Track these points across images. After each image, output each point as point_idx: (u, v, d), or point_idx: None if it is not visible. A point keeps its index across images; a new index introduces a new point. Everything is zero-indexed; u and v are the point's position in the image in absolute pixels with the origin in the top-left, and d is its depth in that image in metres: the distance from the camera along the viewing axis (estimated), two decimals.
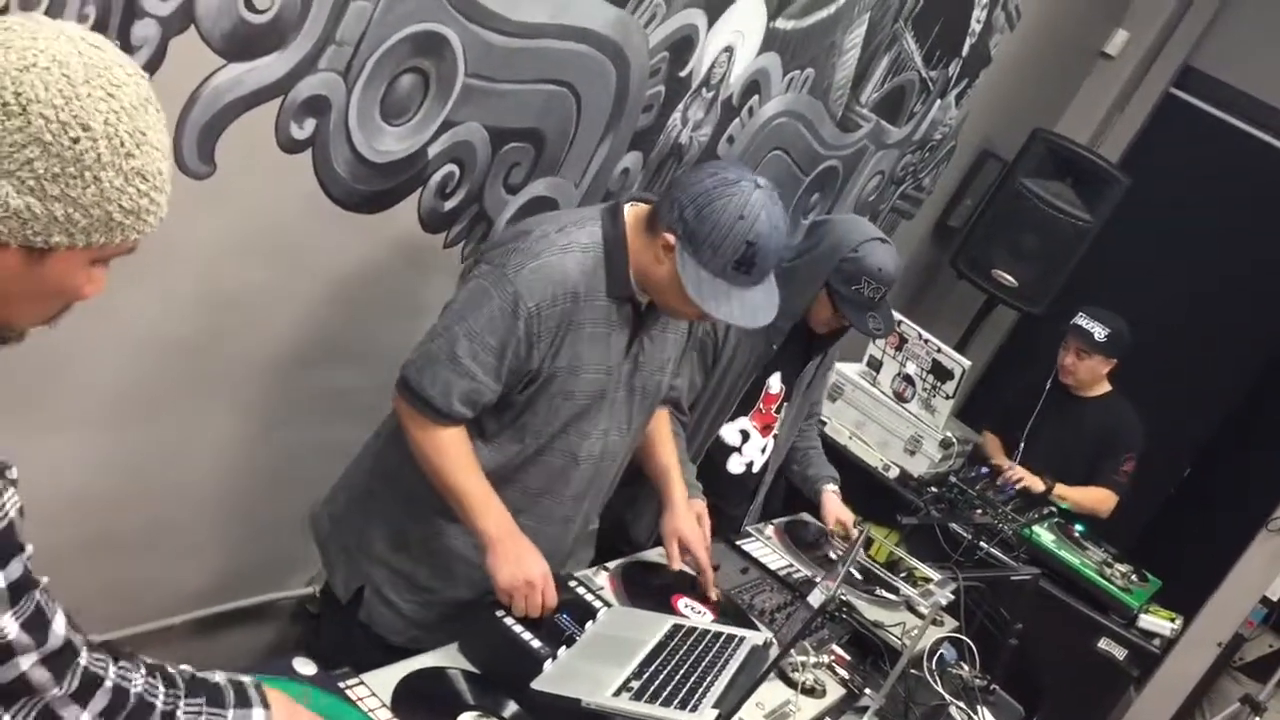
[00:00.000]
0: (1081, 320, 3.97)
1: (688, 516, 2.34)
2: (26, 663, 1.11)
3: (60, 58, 1.01)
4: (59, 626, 1.14)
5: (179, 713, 1.24)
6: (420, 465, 1.99)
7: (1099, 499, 3.99)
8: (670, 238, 1.90)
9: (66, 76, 1.01)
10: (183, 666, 1.29)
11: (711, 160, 2.98)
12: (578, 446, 2.08)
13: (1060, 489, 3.89)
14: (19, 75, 0.99)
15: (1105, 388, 4.08)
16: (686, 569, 2.32)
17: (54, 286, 1.10)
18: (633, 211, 2.01)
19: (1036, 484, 3.82)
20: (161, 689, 1.23)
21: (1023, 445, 4.08)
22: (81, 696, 1.16)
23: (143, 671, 1.22)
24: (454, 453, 1.96)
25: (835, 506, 2.93)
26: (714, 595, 2.32)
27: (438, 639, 1.98)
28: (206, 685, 1.30)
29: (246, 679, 1.36)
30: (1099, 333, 3.92)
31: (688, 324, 2.25)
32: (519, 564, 1.92)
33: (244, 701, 1.32)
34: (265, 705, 1.34)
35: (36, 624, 1.12)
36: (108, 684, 1.18)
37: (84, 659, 1.16)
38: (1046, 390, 4.08)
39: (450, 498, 1.98)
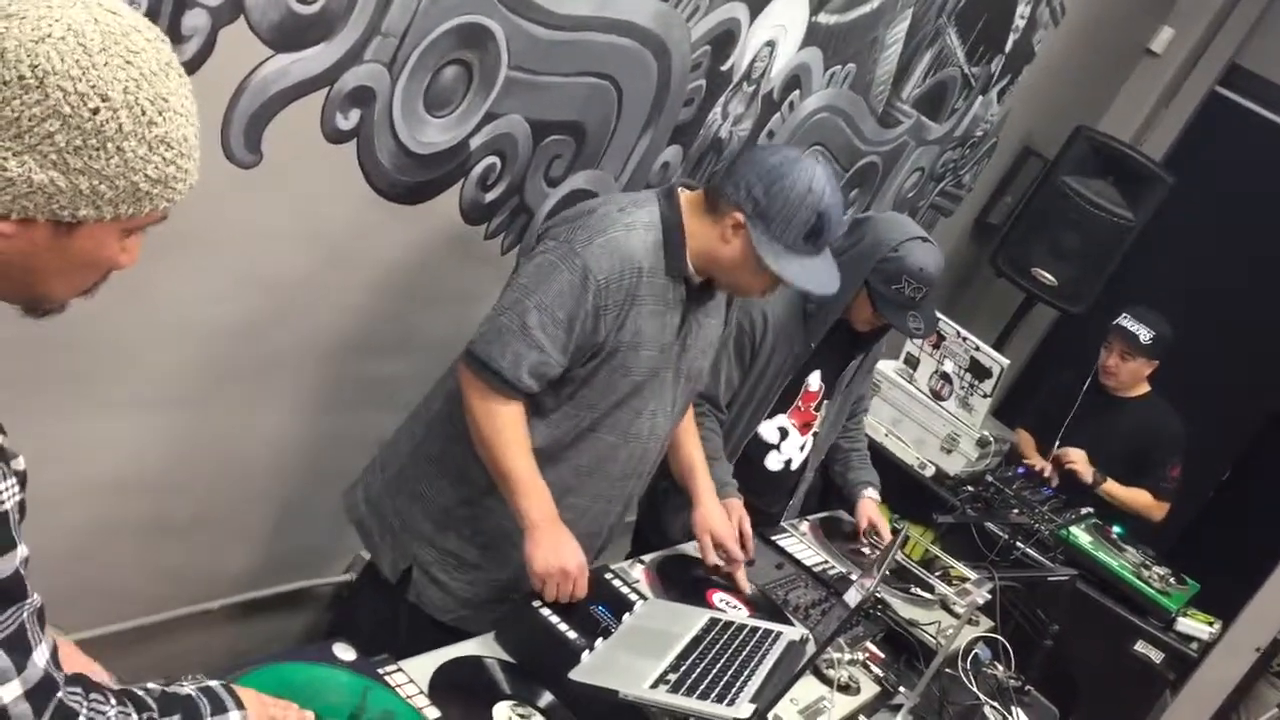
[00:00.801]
0: (1126, 322, 3.90)
1: (717, 511, 2.36)
2: (9, 695, 1.06)
3: (76, 26, 0.98)
4: (40, 658, 1.08)
5: None
6: (475, 439, 2.02)
7: (1147, 504, 3.94)
8: (740, 216, 1.97)
9: (83, 45, 0.98)
10: (149, 685, 1.26)
11: (759, 144, 2.98)
12: (629, 425, 2.11)
13: (1110, 485, 3.85)
14: (34, 47, 0.96)
15: (1144, 389, 4.02)
16: (720, 563, 2.32)
17: (86, 259, 1.07)
18: (683, 195, 2.07)
19: (1086, 472, 3.78)
20: (134, 716, 1.19)
21: (1058, 445, 4.03)
22: None
23: (113, 702, 1.17)
24: (510, 432, 1.99)
25: (870, 511, 2.91)
26: (746, 588, 2.32)
27: (486, 617, 2.04)
28: (179, 700, 1.26)
29: (214, 683, 1.33)
30: (1144, 335, 3.86)
31: (724, 312, 2.29)
32: (556, 551, 1.94)
33: (219, 708, 1.30)
34: (240, 706, 1.32)
35: (16, 645, 1.06)
36: (81, 718, 1.13)
37: (62, 693, 1.11)
38: (1084, 391, 4.03)
39: (498, 476, 2.01)
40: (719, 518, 2.34)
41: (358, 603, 2.36)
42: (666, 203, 2.05)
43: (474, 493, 2.09)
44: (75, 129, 0.98)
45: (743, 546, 2.38)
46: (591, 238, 1.96)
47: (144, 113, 1.01)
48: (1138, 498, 3.93)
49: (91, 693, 1.17)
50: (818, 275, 2.04)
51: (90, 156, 1.00)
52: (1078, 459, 3.83)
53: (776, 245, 1.98)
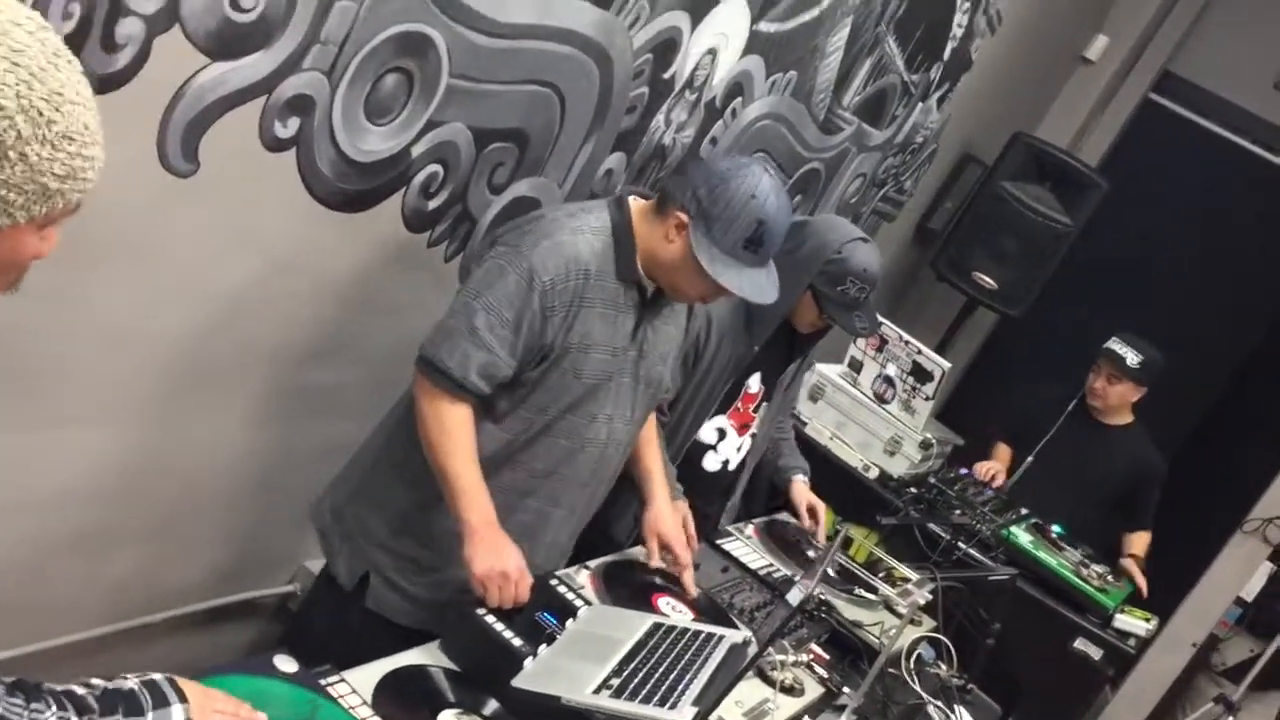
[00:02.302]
0: (1115, 344, 3.92)
1: (668, 515, 2.37)
2: None
3: None
4: None
5: None
6: (423, 440, 2.03)
7: (1147, 542, 3.99)
8: (683, 216, 2.01)
9: None
10: (93, 680, 1.25)
11: (713, 152, 3.01)
12: (584, 429, 2.13)
13: (1135, 566, 3.88)
14: None
15: (1129, 417, 4.03)
16: (665, 566, 2.34)
17: (6, 261, 1.06)
18: (634, 202, 2.11)
19: (1139, 577, 3.80)
20: (74, 719, 1.19)
21: (1030, 461, 4.05)
22: None
23: (54, 708, 1.17)
24: (457, 435, 2.00)
25: (805, 494, 2.96)
26: (693, 592, 2.34)
27: (431, 619, 2.06)
28: (121, 695, 1.26)
29: (158, 676, 1.32)
30: (1131, 358, 3.87)
31: (684, 320, 2.31)
32: (496, 555, 1.95)
33: (161, 701, 1.29)
34: (183, 699, 1.31)
35: None
36: None
37: (1, 706, 1.11)
38: (1070, 411, 4.03)
39: (441, 478, 2.01)
40: (669, 521, 2.36)
41: (312, 611, 2.34)
42: (617, 209, 2.09)
43: (428, 496, 2.09)
44: None
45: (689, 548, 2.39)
46: (538, 241, 1.99)
47: (41, 114, 0.98)
48: (1144, 545, 3.97)
49: (32, 701, 1.16)
50: (756, 283, 2.04)
51: None
52: (1135, 572, 3.82)
53: (715, 249, 1.99)
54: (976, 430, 4.39)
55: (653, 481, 2.39)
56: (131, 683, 1.29)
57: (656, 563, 2.34)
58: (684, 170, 2.08)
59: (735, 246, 2.00)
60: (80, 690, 1.23)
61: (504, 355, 1.97)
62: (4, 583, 2.03)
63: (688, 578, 2.34)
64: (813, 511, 2.94)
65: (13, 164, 0.98)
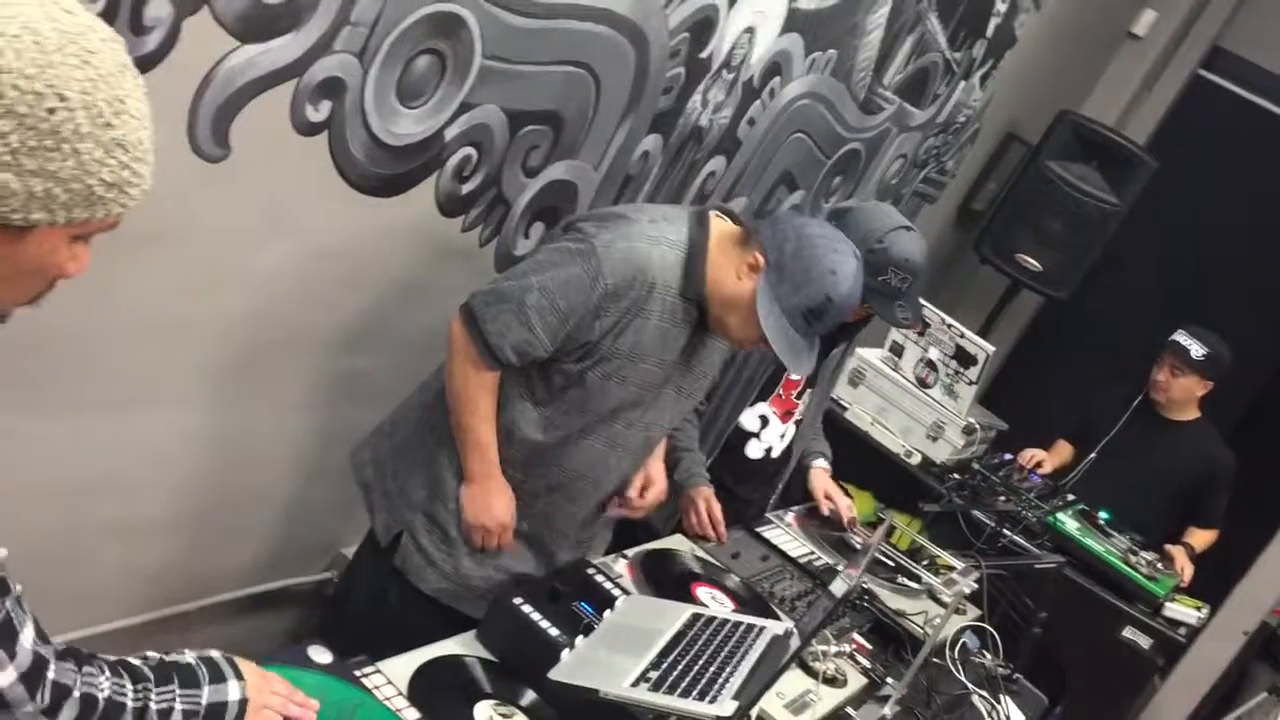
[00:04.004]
0: (1180, 336, 3.83)
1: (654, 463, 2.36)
2: (4, 681, 1.09)
3: (31, 25, 0.95)
4: (26, 640, 1.11)
5: (151, 705, 1.22)
6: (447, 385, 2.08)
7: (1210, 540, 3.91)
8: (760, 258, 1.99)
9: (39, 44, 0.95)
10: (149, 654, 1.28)
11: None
12: (621, 436, 2.12)
13: (1188, 546, 3.80)
14: None
15: (1195, 412, 3.93)
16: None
17: (34, 265, 1.05)
18: (716, 222, 2.07)
19: (1186, 569, 3.71)
20: (129, 686, 1.21)
21: (1094, 457, 3.96)
22: (52, 711, 1.14)
23: (107, 673, 1.20)
24: (481, 397, 2.04)
25: (823, 481, 2.91)
26: (627, 514, 2.33)
27: (460, 594, 2.13)
28: (178, 668, 1.28)
29: (216, 653, 1.34)
30: (1196, 350, 3.78)
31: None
32: (486, 506, 2.09)
33: (218, 676, 1.31)
34: (240, 677, 1.33)
35: (4, 635, 1.09)
36: (75, 694, 1.15)
37: (53, 671, 1.14)
38: (1134, 407, 3.93)
39: (458, 431, 2.08)
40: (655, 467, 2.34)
41: (354, 575, 2.36)
42: (698, 226, 2.05)
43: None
44: (30, 129, 0.96)
45: (716, 531, 2.43)
46: (614, 241, 1.97)
47: (101, 114, 0.99)
48: (1205, 541, 3.89)
49: (85, 665, 1.19)
50: (796, 349, 2.01)
51: (45, 158, 0.97)
52: (1183, 562, 3.73)
53: (777, 305, 1.97)
54: (1021, 415, 4.31)
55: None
56: (189, 657, 1.32)
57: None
58: (781, 218, 2.07)
59: (794, 311, 1.97)
60: (136, 661, 1.26)
61: (544, 338, 1.97)
62: (42, 570, 2.01)
63: (625, 510, 2.32)
64: (830, 499, 2.89)
65: (65, 157, 0.98)
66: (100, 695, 1.18)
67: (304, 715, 1.43)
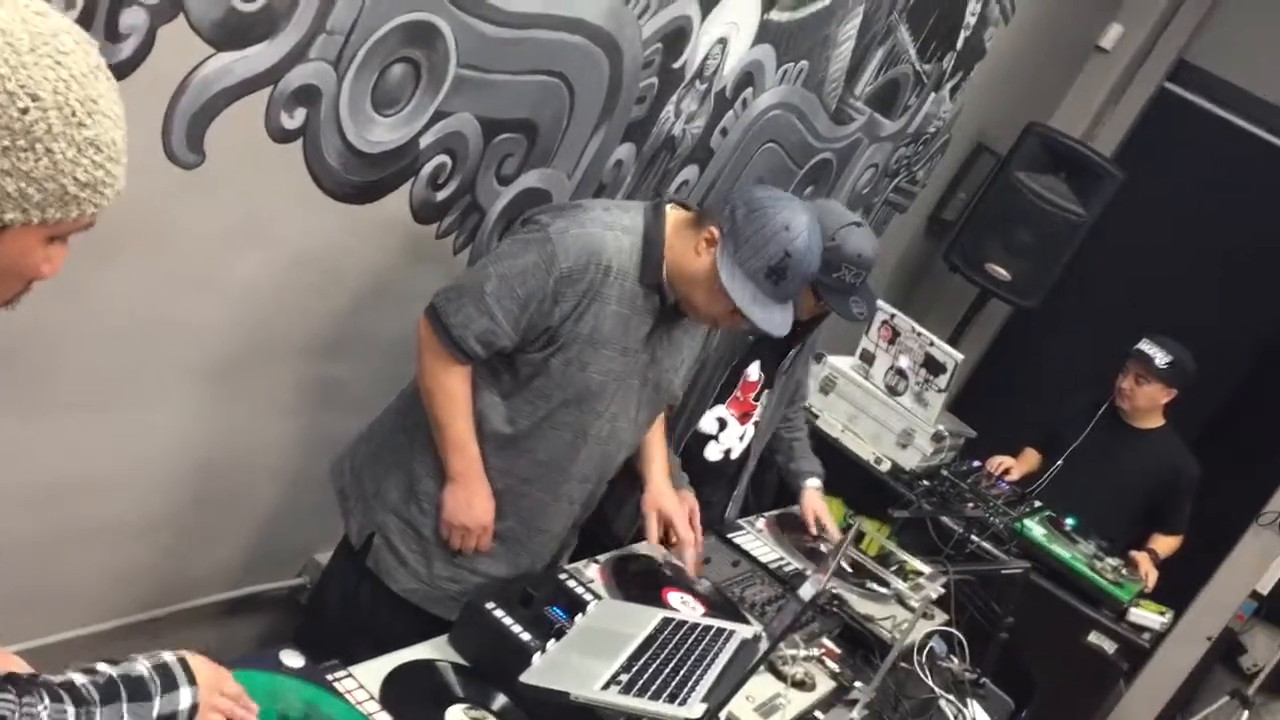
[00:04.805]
0: (1144, 345, 3.88)
1: (668, 492, 2.39)
2: None
3: (3, 26, 0.96)
4: None
5: None
6: (420, 385, 2.11)
7: (1173, 547, 3.96)
8: (715, 231, 2.02)
9: (11, 45, 0.96)
10: (99, 666, 1.23)
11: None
12: (587, 424, 2.14)
13: (1152, 553, 3.84)
14: None
15: (1159, 421, 3.98)
16: (655, 541, 2.35)
17: (9, 266, 1.05)
18: (672, 211, 2.11)
19: (1150, 574, 3.75)
20: (70, 711, 1.16)
21: (1061, 464, 3.99)
22: None
23: (47, 701, 1.15)
24: (454, 391, 2.08)
25: (814, 502, 2.93)
26: (694, 572, 2.35)
27: (432, 595, 2.14)
28: (128, 681, 1.24)
29: (170, 657, 1.30)
30: (1160, 358, 3.83)
31: (703, 335, 2.32)
32: (468, 507, 2.11)
33: (170, 684, 1.27)
34: (192, 681, 1.29)
35: None
36: None
37: None
38: (1100, 415, 3.98)
39: (436, 429, 2.11)
40: (669, 498, 2.38)
41: (328, 579, 2.36)
42: (653, 213, 2.10)
43: (439, 466, 2.14)
44: (3, 129, 0.96)
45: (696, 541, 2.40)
46: (568, 228, 2.01)
47: (74, 114, 1.00)
48: (1169, 548, 3.94)
49: (24, 696, 1.14)
50: (769, 314, 2.03)
51: (19, 157, 0.98)
52: (1148, 570, 3.77)
53: (738, 269, 2.00)
54: (989, 423, 4.36)
55: (653, 461, 2.41)
56: (141, 666, 1.28)
57: (655, 539, 2.35)
58: (729, 193, 2.10)
59: (757, 272, 2.00)
60: (81, 679, 1.21)
61: (506, 326, 2.00)
62: (13, 573, 2.02)
63: (689, 555, 2.35)
64: (818, 522, 2.91)
65: (38, 157, 0.99)
66: None
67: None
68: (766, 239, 1.99)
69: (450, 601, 2.14)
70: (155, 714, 1.25)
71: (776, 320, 2.06)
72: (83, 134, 1.01)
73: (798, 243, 2.00)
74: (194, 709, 1.30)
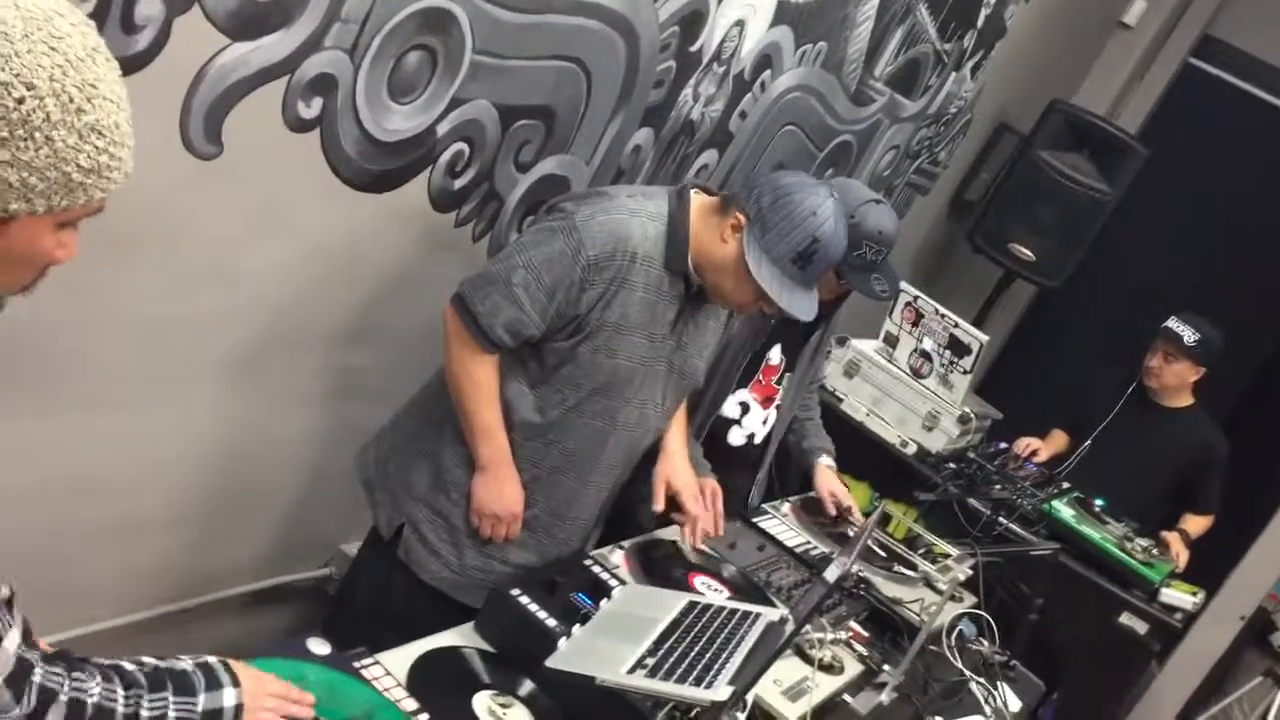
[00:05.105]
0: (1172, 323, 3.84)
1: (683, 465, 2.38)
2: None
3: None
4: (10, 644, 1.10)
5: (142, 713, 1.21)
6: (446, 374, 2.11)
7: (1204, 526, 3.93)
8: (741, 218, 2.02)
9: (4, 33, 0.95)
10: (144, 659, 1.26)
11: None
12: (616, 411, 2.15)
13: (1183, 533, 3.82)
14: None
15: (1189, 399, 3.94)
16: (662, 510, 2.34)
17: (20, 254, 1.05)
18: (695, 196, 2.11)
19: (1181, 554, 3.73)
20: (120, 692, 1.20)
21: (1089, 445, 3.96)
22: (38, 715, 1.13)
23: (98, 678, 1.18)
24: (481, 379, 2.08)
25: (828, 480, 2.91)
26: (695, 543, 2.34)
27: (463, 584, 2.15)
28: (173, 674, 1.27)
29: (213, 660, 1.33)
30: (1188, 336, 3.79)
31: (725, 318, 2.31)
32: (499, 495, 2.12)
33: (214, 684, 1.30)
34: (236, 683, 1.32)
35: None
36: (62, 698, 1.14)
37: (39, 675, 1.13)
38: (1128, 394, 3.94)
39: (462, 415, 2.11)
40: (683, 472, 2.37)
41: (357, 571, 2.38)
42: (677, 199, 2.10)
43: (471, 458, 2.14)
44: (1, 120, 0.96)
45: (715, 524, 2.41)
46: (594, 215, 2.02)
47: (72, 100, 0.98)
48: (1200, 527, 3.91)
49: (75, 670, 1.17)
50: (795, 298, 2.04)
51: (18, 148, 0.97)
52: (1179, 548, 3.75)
53: (765, 256, 2.01)
54: (1016, 404, 4.33)
55: (669, 435, 2.39)
56: (185, 663, 1.30)
57: (661, 506, 2.34)
58: (753, 179, 2.13)
59: (784, 258, 2.00)
60: (129, 665, 1.25)
61: (533, 315, 2.01)
62: (40, 569, 2.03)
63: (688, 531, 2.34)
64: (835, 498, 2.89)
65: (38, 146, 0.98)
66: (89, 700, 1.17)
67: (301, 712, 1.42)
68: (794, 225, 1.99)
69: (480, 590, 2.14)
70: (200, 709, 1.27)
71: (804, 305, 2.06)
72: (83, 120, 1.00)
73: (825, 228, 2.00)
74: (239, 709, 1.32)
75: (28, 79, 0.96)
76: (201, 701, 1.28)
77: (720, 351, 2.61)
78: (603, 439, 2.17)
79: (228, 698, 1.31)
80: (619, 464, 2.25)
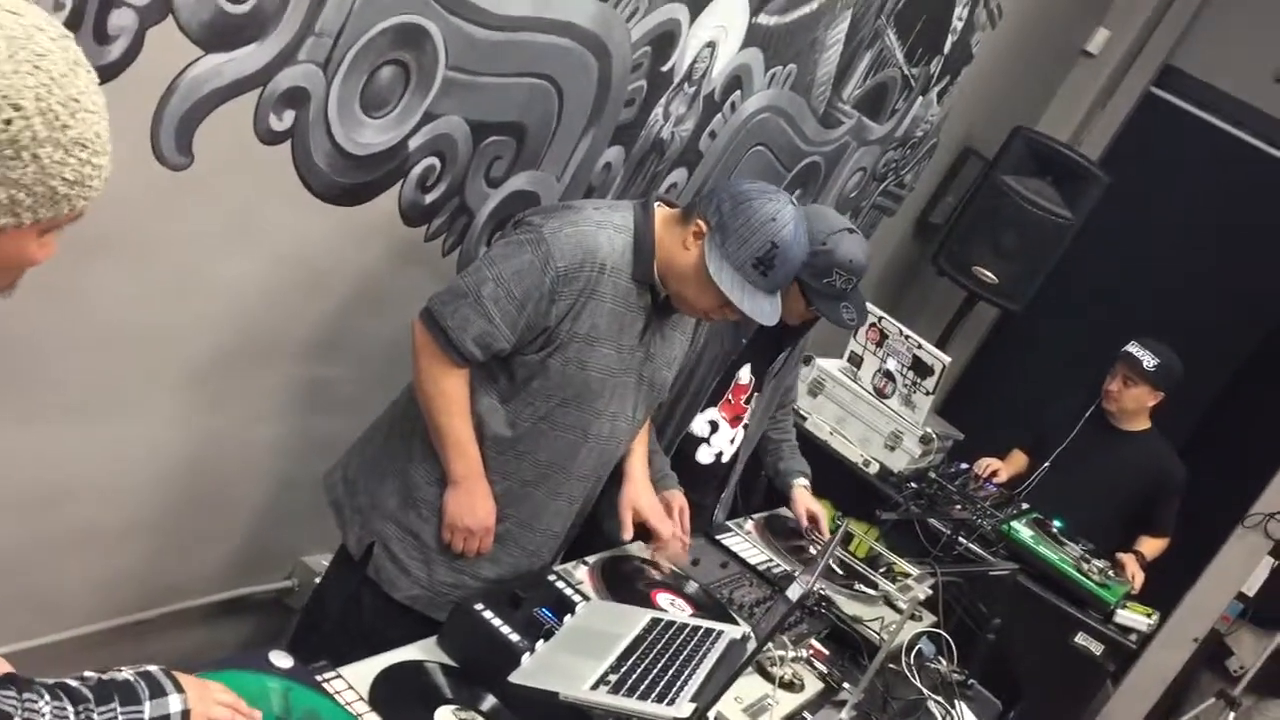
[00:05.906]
0: (1132, 347, 3.89)
1: (646, 489, 2.40)
2: None
3: None
4: None
5: None
6: (417, 390, 2.11)
7: (1159, 549, 3.98)
8: (702, 224, 2.05)
9: None
10: (86, 673, 1.26)
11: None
12: (588, 424, 2.16)
13: (1138, 555, 3.87)
14: None
15: (1146, 423, 4.00)
16: (629, 536, 2.35)
17: (7, 263, 1.07)
18: (659, 209, 2.15)
19: (1137, 576, 3.77)
20: (70, 709, 1.19)
21: (1048, 467, 4.01)
22: None
23: (47, 698, 1.18)
24: (452, 394, 2.08)
25: (806, 500, 2.95)
26: (662, 562, 2.36)
27: (434, 601, 2.14)
28: (117, 685, 1.26)
29: (154, 668, 1.33)
30: (1148, 361, 3.85)
31: (692, 330, 2.34)
32: (471, 510, 2.12)
33: (158, 691, 1.30)
34: (179, 689, 1.32)
35: None
36: (17, 718, 1.13)
37: None
38: (1087, 417, 4.00)
39: (434, 433, 2.11)
40: (647, 496, 2.39)
41: (326, 589, 2.36)
42: (642, 211, 2.13)
43: (438, 472, 2.14)
44: None
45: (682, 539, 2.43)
46: (561, 227, 2.04)
47: (57, 117, 1.00)
48: (1156, 549, 3.96)
49: (25, 692, 1.16)
50: (757, 303, 2.06)
51: (7, 167, 0.98)
52: (1135, 570, 3.80)
53: (726, 262, 2.03)
54: (977, 425, 4.38)
55: (633, 457, 2.41)
56: (127, 674, 1.30)
57: (629, 535, 2.35)
58: (714, 187, 2.14)
59: (745, 264, 2.03)
60: (74, 682, 1.24)
61: (503, 328, 2.01)
62: (0, 579, 2.02)
63: (660, 555, 2.36)
64: (813, 519, 2.93)
65: (25, 164, 0.99)
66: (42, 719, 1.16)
67: None
68: (753, 230, 2.02)
69: (451, 606, 2.13)
70: (147, 716, 1.27)
71: (765, 309, 2.08)
72: (68, 135, 1.01)
73: (784, 233, 2.03)
74: (185, 715, 1.31)
75: (14, 100, 0.97)
76: (148, 709, 1.27)
77: (691, 369, 2.63)
78: (574, 451, 2.18)
79: (174, 704, 1.30)
80: (590, 475, 2.26)
